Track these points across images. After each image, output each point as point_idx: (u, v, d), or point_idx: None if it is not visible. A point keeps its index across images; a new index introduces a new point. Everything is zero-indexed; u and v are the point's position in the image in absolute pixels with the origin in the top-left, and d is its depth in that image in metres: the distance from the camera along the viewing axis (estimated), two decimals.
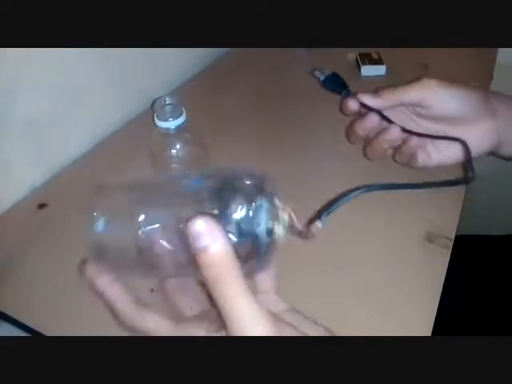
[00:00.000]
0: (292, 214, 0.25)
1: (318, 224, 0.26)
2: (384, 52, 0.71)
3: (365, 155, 0.47)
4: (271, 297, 0.30)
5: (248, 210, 0.24)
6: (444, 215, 0.46)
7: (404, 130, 0.43)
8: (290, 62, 0.73)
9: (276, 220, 0.25)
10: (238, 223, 0.24)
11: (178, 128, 0.48)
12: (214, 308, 0.26)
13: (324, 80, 0.48)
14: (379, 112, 0.43)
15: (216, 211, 0.24)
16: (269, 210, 0.25)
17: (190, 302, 0.30)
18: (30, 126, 0.51)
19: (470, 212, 0.61)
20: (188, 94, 0.66)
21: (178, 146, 0.50)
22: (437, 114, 0.44)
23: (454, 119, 0.44)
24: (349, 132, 0.47)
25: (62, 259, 0.43)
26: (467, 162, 0.42)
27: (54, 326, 0.38)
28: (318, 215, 0.26)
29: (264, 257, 0.26)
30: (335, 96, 0.66)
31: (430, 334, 0.36)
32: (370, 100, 0.43)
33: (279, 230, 0.25)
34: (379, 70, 0.69)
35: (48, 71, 0.51)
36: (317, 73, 0.48)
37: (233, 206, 0.24)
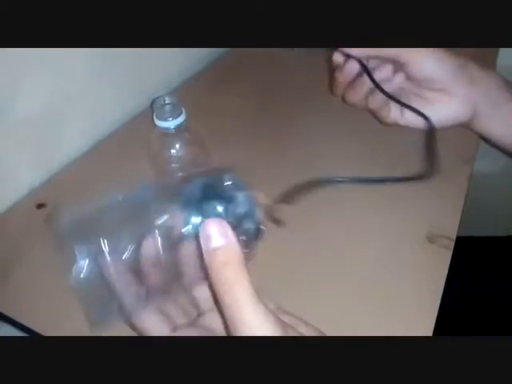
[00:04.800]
0: (268, 202, 0.29)
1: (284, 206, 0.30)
2: None
3: (344, 101, 0.51)
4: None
5: (234, 210, 0.26)
6: (445, 215, 0.46)
7: (375, 84, 0.46)
8: (290, 61, 0.73)
9: (258, 209, 0.27)
10: (233, 218, 0.26)
11: (178, 128, 0.48)
12: (219, 312, 0.27)
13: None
14: (359, 60, 0.47)
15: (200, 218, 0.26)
16: (250, 202, 0.27)
17: (180, 313, 0.30)
18: (29, 126, 0.50)
19: (471, 213, 0.61)
20: (188, 93, 0.66)
21: (177, 146, 0.50)
22: (414, 73, 0.46)
23: (430, 81, 0.46)
24: (331, 83, 0.51)
25: (60, 259, 0.43)
26: (430, 148, 0.44)
27: (52, 326, 0.37)
28: (282, 200, 0.31)
29: (254, 245, 0.27)
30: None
31: (431, 335, 0.36)
32: (352, 50, 0.47)
33: (260, 217, 0.27)
34: None
35: (46, 71, 0.51)
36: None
37: (218, 210, 0.26)
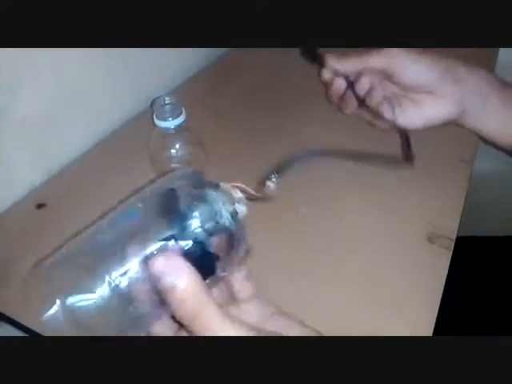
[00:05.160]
0: (243, 186, 0.27)
1: (270, 184, 0.27)
2: None
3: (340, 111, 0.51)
4: (254, 303, 0.28)
5: (203, 211, 0.24)
6: (445, 216, 0.46)
7: (359, 102, 0.47)
8: (289, 61, 0.73)
9: (232, 201, 0.26)
10: (202, 227, 0.24)
11: (178, 128, 0.48)
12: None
13: None
14: (346, 77, 0.48)
15: (172, 231, 0.24)
16: (220, 197, 0.25)
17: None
18: (29, 127, 0.50)
19: (471, 213, 0.61)
20: (187, 93, 0.66)
21: (177, 146, 0.50)
22: (402, 80, 0.46)
23: (417, 87, 0.46)
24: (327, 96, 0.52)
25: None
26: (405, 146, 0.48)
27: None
28: (268, 177, 0.28)
29: (241, 241, 0.26)
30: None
31: (431, 335, 0.36)
32: (338, 65, 0.47)
33: (240, 208, 0.26)
34: None
35: (46, 71, 0.51)
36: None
37: (187, 216, 0.24)
